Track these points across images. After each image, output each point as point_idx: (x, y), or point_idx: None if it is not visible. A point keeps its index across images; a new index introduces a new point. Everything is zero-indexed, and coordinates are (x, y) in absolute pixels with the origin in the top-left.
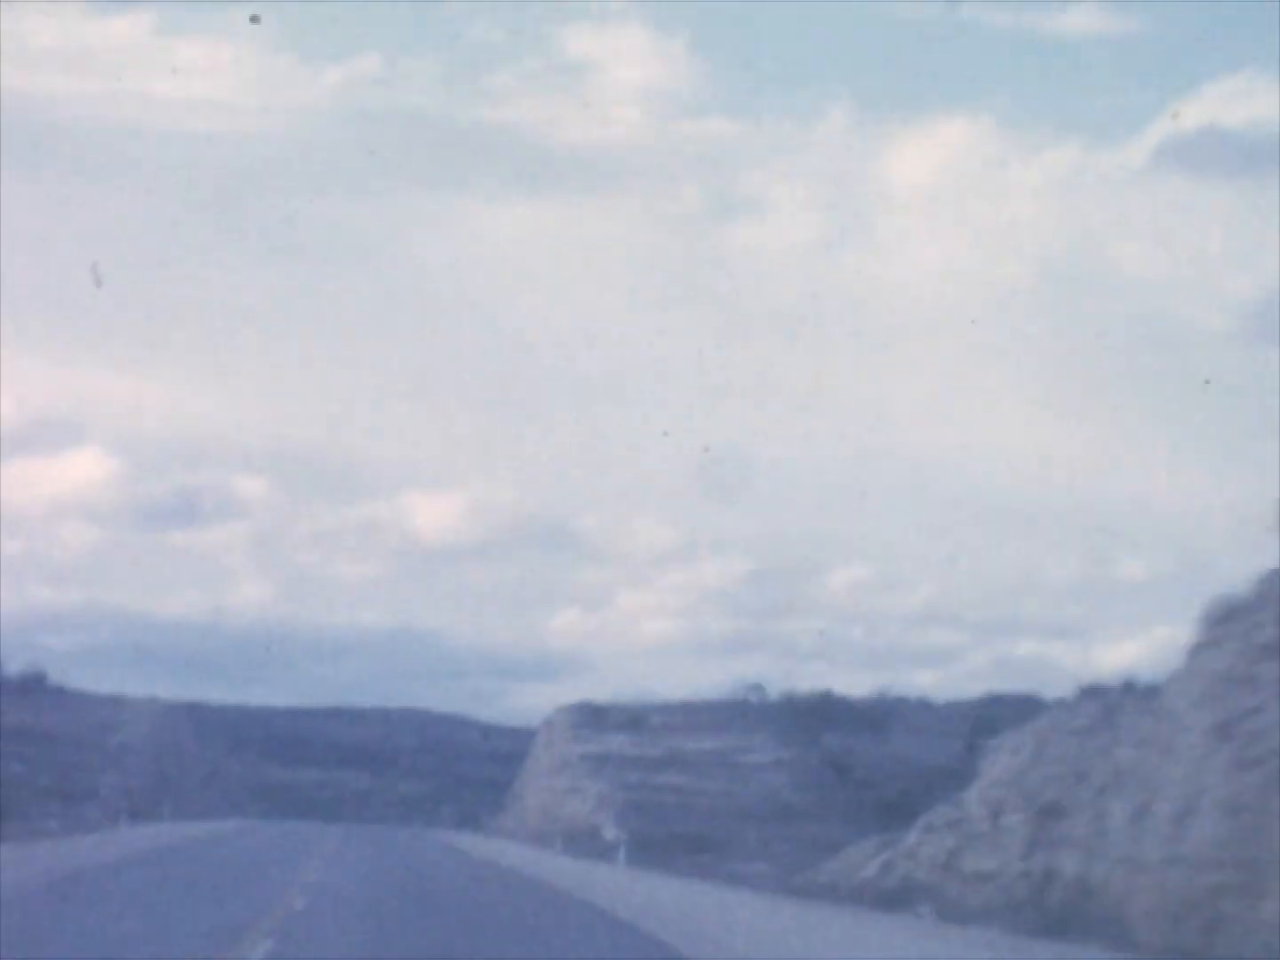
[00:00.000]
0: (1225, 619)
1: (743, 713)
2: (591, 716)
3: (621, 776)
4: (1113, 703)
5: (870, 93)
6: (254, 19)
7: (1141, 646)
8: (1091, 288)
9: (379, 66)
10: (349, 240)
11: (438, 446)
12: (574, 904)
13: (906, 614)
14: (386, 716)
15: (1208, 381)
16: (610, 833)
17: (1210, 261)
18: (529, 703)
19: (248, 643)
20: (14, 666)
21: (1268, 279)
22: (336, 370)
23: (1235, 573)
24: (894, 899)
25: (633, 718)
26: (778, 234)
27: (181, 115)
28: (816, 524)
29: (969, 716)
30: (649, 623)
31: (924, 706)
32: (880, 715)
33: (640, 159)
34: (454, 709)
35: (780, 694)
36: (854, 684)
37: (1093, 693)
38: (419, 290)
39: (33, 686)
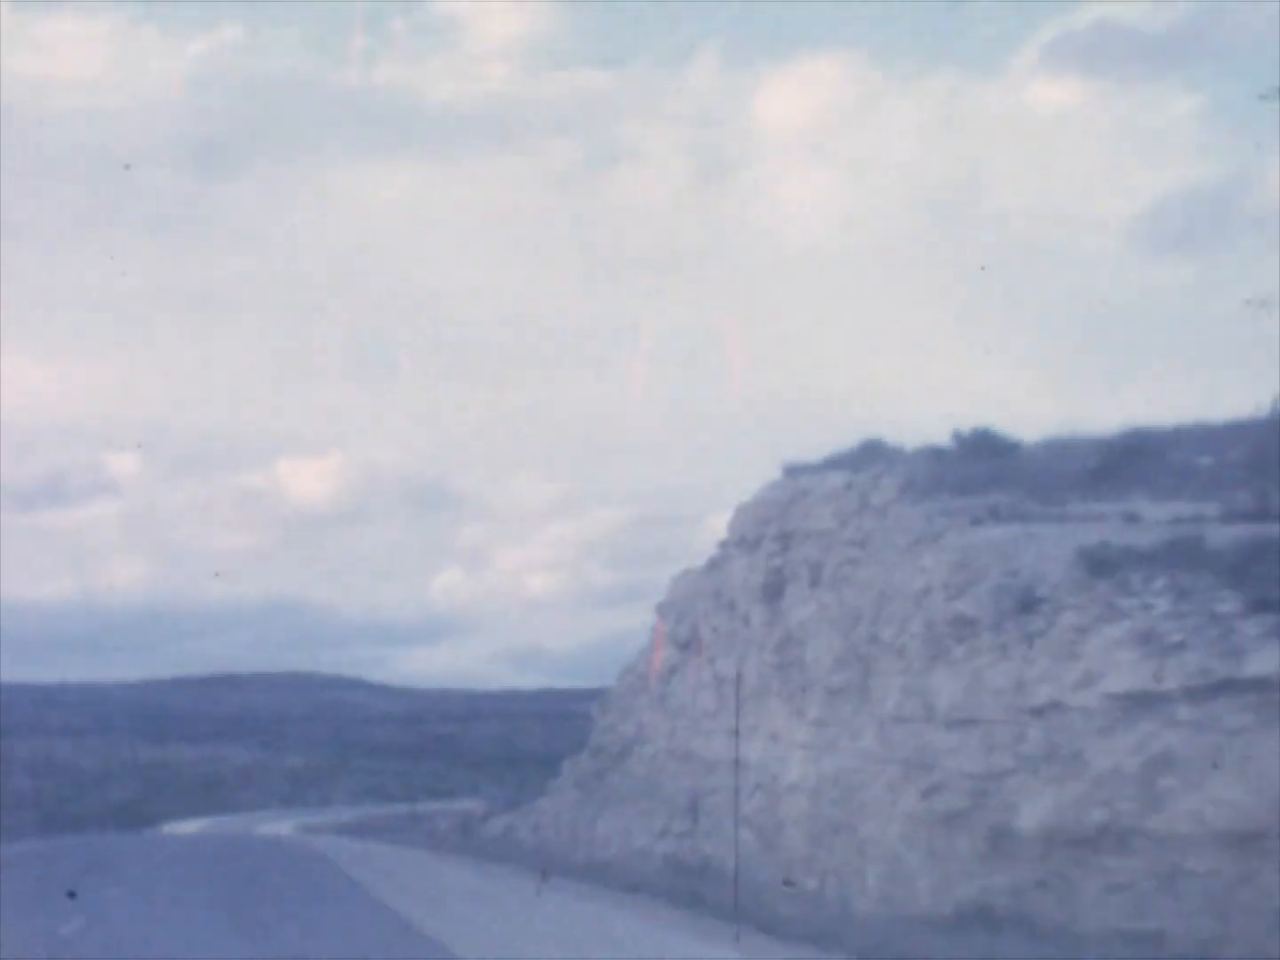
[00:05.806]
0: None
1: None
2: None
3: None
4: None
5: (738, 35)
6: None
7: None
8: (970, 218)
9: (243, 35)
10: (219, 214)
11: (309, 414)
12: None
13: None
14: (270, 683)
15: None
16: None
17: (1093, 179)
18: (415, 667)
19: (123, 621)
20: None
21: (1152, 193)
22: (205, 344)
23: None
24: None
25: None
26: (654, 182)
27: (45, 93)
28: (697, 471)
29: None
30: (532, 578)
31: None
32: None
33: (512, 114)
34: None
35: None
36: None
37: None
38: (290, 261)
39: None
